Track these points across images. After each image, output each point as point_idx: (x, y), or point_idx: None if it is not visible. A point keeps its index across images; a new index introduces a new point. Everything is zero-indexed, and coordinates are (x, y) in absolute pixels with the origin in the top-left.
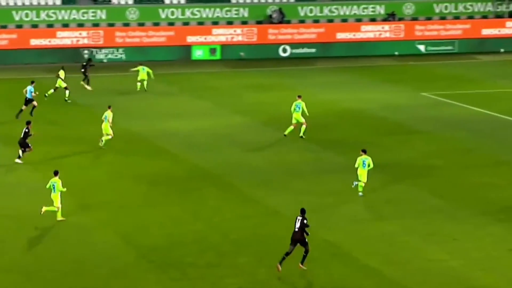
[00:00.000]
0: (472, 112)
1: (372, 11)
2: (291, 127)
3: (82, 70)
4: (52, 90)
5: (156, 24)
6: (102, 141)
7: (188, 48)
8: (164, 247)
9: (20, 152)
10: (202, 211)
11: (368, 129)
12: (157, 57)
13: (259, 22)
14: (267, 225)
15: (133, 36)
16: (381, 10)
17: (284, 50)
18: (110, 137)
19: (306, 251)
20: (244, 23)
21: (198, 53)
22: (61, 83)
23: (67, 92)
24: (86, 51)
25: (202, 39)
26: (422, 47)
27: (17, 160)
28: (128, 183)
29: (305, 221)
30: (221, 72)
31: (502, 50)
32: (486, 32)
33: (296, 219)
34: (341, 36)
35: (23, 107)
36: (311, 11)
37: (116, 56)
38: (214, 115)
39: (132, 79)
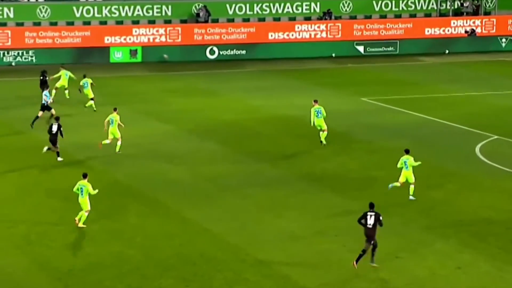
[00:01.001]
0: (415, 119)
1: (307, 9)
2: (324, 133)
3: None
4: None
5: (70, 23)
6: (117, 146)
7: (106, 49)
8: (80, 269)
9: (56, 149)
10: (122, 230)
11: (303, 138)
12: (71, 59)
13: (183, 21)
14: (195, 244)
15: (45, 36)
16: (316, 8)
17: (212, 52)
18: (119, 142)
19: (374, 248)
20: (168, 22)
21: (117, 55)
22: (89, 92)
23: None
24: None
25: (121, 40)
26: (361, 48)
27: (59, 159)
28: (39, 198)
29: (380, 217)
30: (142, 76)
31: (447, 51)
32: (430, 31)
33: (367, 214)
34: (274, 36)
35: (40, 113)
36: (240, 9)
37: (26, 58)
38: (135, 123)
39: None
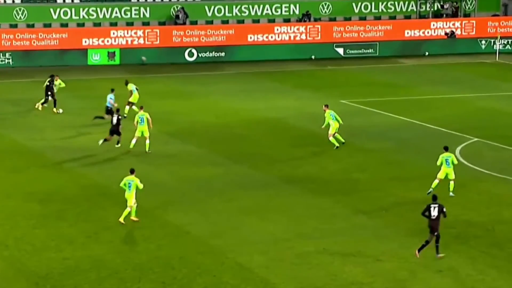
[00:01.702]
0: (395, 121)
1: (286, 11)
2: (337, 136)
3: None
4: (127, 107)
5: (48, 25)
6: (146, 145)
7: (84, 52)
8: (58, 273)
9: (118, 138)
10: (101, 233)
11: (284, 140)
12: (48, 62)
13: (162, 24)
14: (175, 247)
15: (21, 39)
16: (295, 10)
17: (191, 54)
18: (147, 141)
19: (437, 240)
20: (146, 24)
21: (95, 58)
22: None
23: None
24: None
25: (99, 42)
26: (340, 50)
27: (117, 145)
28: (17, 202)
29: (444, 209)
30: (121, 79)
31: (426, 53)
32: (410, 33)
33: (431, 206)
34: (253, 38)
35: (105, 116)
36: (219, 11)
37: (3, 61)
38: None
39: (22, 87)
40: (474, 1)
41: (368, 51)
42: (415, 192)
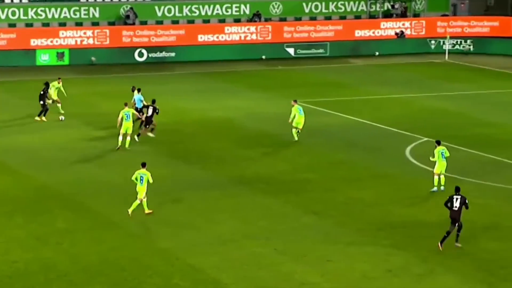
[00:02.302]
0: (346, 121)
1: (237, 11)
2: (296, 131)
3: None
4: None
5: None
6: (126, 142)
7: (32, 52)
8: (7, 276)
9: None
10: (50, 235)
11: (234, 141)
12: None
13: (111, 24)
14: (124, 249)
15: None
16: (246, 10)
17: (141, 54)
18: (129, 137)
19: (459, 229)
20: (95, 24)
21: (43, 58)
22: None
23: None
24: None
25: (48, 42)
26: (291, 50)
27: (150, 134)
28: None
29: (466, 200)
30: (70, 79)
31: (377, 53)
32: (360, 33)
33: (453, 198)
34: (203, 38)
35: (141, 116)
36: (169, 11)
37: None
38: (64, 127)
39: None
40: (423, 1)
41: (318, 51)
42: (364, 192)
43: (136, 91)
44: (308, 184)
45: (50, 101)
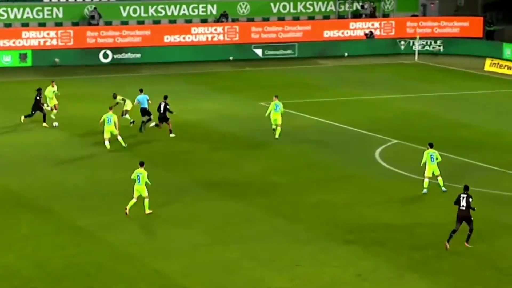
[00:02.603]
0: (314, 123)
1: (203, 12)
2: (278, 129)
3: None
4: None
5: None
6: (120, 141)
7: None
8: None
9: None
10: (13, 241)
11: (201, 143)
12: None
13: (75, 24)
14: (90, 253)
15: None
16: (213, 10)
17: (105, 56)
18: (119, 137)
19: (471, 230)
20: (59, 25)
21: (5, 59)
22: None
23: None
24: None
25: (10, 43)
26: (259, 51)
27: (171, 135)
28: None
29: (470, 199)
30: (33, 81)
31: (346, 54)
32: (329, 34)
33: (460, 197)
34: (170, 39)
35: (144, 118)
36: (134, 11)
37: None
38: (25, 129)
39: None
40: (393, 2)
41: (287, 52)
42: (335, 195)
43: (139, 92)
44: (278, 187)
45: (48, 107)
